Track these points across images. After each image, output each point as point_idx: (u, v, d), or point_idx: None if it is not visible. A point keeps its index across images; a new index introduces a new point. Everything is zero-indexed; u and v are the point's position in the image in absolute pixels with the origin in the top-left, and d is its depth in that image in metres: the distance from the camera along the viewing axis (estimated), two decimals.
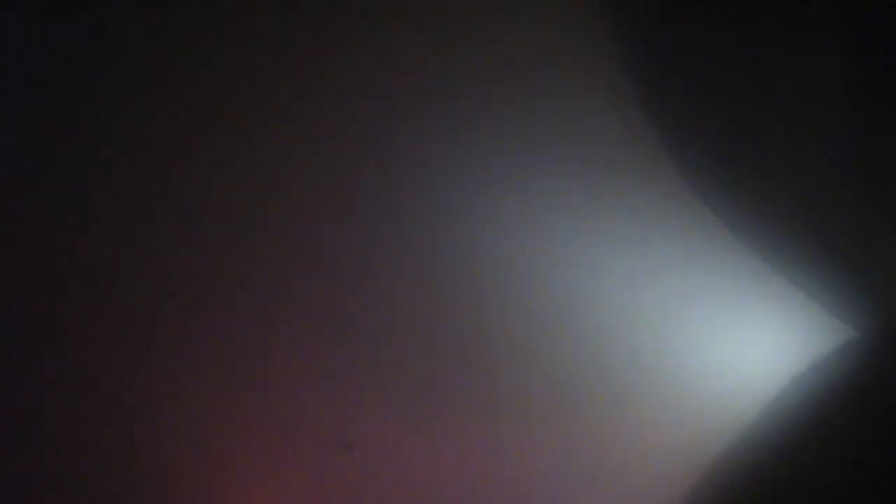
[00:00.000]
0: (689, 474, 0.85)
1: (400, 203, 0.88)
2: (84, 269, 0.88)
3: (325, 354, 0.88)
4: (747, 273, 0.87)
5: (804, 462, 0.82)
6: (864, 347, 0.86)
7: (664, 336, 0.87)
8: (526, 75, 0.87)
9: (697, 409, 0.87)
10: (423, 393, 0.87)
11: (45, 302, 0.88)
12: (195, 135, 0.89)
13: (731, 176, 0.87)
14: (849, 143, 0.84)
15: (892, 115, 0.84)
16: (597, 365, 0.87)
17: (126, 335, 0.87)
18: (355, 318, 0.88)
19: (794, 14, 0.84)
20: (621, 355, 0.87)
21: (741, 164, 0.86)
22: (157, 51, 0.89)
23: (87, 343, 0.87)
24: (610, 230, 0.88)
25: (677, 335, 0.87)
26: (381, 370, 0.88)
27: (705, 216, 0.87)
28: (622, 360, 0.87)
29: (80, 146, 0.88)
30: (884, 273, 0.86)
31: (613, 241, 0.87)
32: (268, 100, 0.88)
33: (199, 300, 0.88)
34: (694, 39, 0.86)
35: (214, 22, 0.89)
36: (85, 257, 0.88)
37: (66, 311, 0.88)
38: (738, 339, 0.87)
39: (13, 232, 0.88)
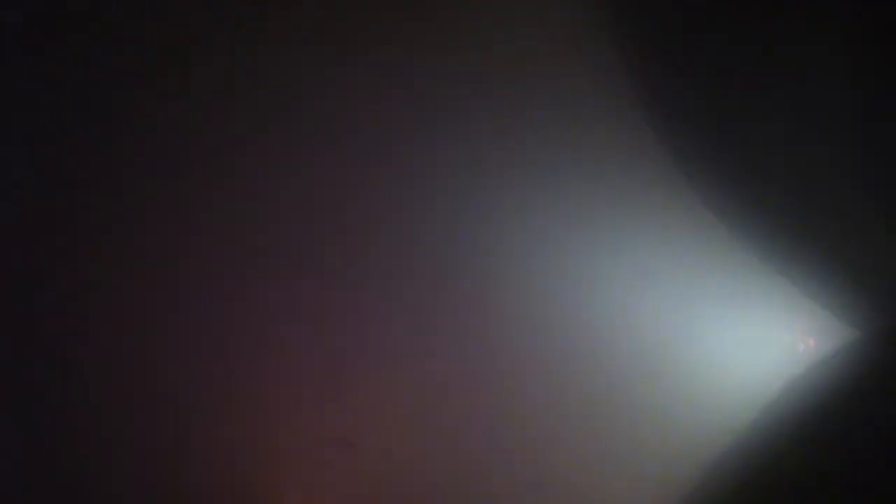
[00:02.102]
0: (687, 475, 0.85)
1: (403, 204, 0.88)
2: (82, 270, 0.88)
3: (325, 355, 0.88)
4: (747, 273, 0.87)
5: (803, 462, 0.82)
6: (863, 347, 0.86)
7: (663, 336, 0.87)
8: (528, 79, 0.87)
9: (696, 409, 0.87)
10: (424, 393, 0.88)
11: (44, 301, 0.88)
12: (198, 134, 0.89)
13: (730, 176, 0.87)
14: (849, 142, 0.84)
15: (892, 114, 0.84)
16: (595, 365, 0.87)
17: (123, 334, 0.87)
18: (356, 319, 0.88)
19: (795, 13, 0.84)
20: (620, 356, 0.87)
21: (741, 164, 0.86)
22: (158, 50, 0.89)
23: (81, 344, 0.87)
24: (609, 230, 0.88)
25: (676, 335, 0.87)
26: (382, 371, 0.88)
27: (705, 216, 0.87)
28: (621, 360, 0.87)
29: (79, 147, 0.89)
30: (884, 273, 0.86)
31: (612, 242, 0.88)
32: (270, 102, 0.89)
33: (197, 299, 0.88)
34: (694, 40, 0.86)
35: (220, 23, 0.89)
36: (84, 258, 0.88)
37: (62, 312, 0.88)
38: (737, 339, 0.87)
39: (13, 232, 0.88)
